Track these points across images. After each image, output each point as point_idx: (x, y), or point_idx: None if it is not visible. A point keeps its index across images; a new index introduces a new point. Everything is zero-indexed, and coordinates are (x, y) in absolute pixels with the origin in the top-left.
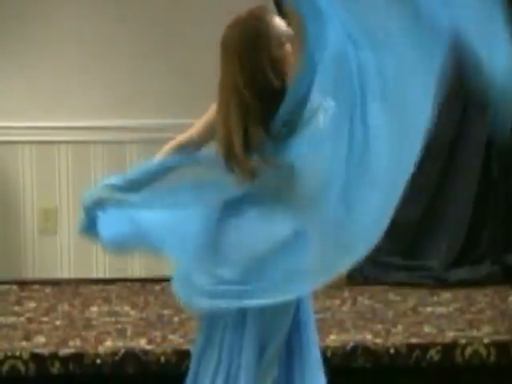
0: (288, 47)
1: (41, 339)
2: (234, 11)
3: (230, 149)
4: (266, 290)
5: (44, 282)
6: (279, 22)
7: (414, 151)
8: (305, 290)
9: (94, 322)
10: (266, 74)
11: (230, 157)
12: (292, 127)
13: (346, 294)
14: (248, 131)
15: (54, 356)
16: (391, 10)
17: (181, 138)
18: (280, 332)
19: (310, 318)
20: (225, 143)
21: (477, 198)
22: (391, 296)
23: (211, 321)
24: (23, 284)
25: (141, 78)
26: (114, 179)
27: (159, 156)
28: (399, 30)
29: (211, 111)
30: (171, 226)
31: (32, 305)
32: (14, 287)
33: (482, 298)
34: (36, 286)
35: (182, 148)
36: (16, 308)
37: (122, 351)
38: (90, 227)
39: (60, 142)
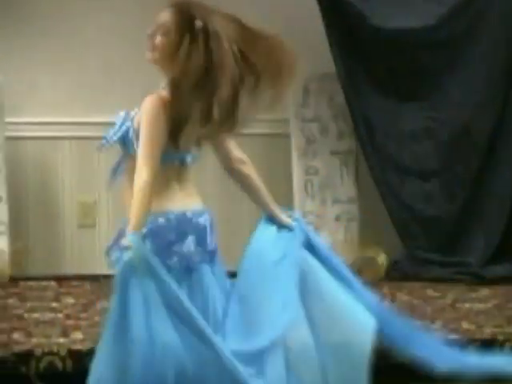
0: None
1: (78, 335)
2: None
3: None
4: None
5: (83, 278)
6: None
7: None
8: None
9: None
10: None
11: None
12: None
13: (386, 290)
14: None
15: (91, 352)
16: None
17: (148, 178)
18: None
19: None
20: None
21: None
22: (430, 292)
23: None
24: (62, 280)
25: None
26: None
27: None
28: None
29: (152, 135)
30: None
31: (70, 301)
32: (53, 283)
33: None
34: (75, 282)
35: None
36: (54, 304)
37: None
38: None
39: (99, 138)
